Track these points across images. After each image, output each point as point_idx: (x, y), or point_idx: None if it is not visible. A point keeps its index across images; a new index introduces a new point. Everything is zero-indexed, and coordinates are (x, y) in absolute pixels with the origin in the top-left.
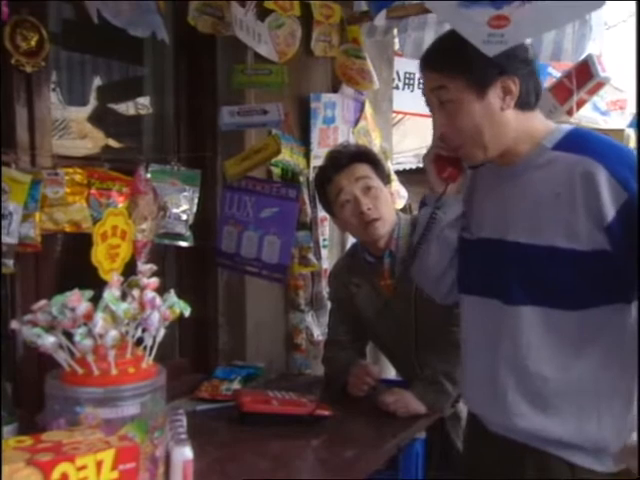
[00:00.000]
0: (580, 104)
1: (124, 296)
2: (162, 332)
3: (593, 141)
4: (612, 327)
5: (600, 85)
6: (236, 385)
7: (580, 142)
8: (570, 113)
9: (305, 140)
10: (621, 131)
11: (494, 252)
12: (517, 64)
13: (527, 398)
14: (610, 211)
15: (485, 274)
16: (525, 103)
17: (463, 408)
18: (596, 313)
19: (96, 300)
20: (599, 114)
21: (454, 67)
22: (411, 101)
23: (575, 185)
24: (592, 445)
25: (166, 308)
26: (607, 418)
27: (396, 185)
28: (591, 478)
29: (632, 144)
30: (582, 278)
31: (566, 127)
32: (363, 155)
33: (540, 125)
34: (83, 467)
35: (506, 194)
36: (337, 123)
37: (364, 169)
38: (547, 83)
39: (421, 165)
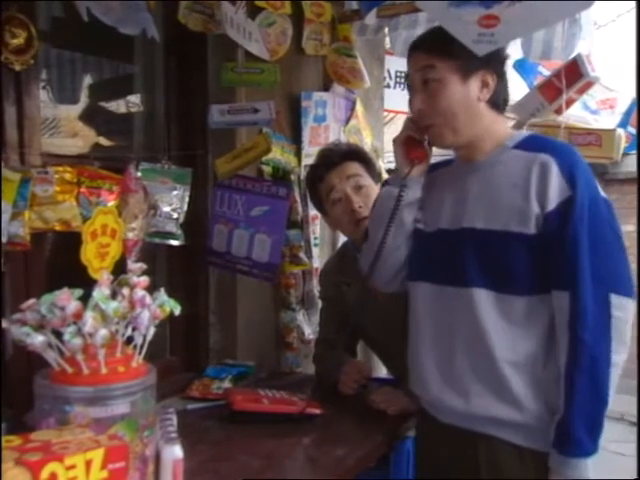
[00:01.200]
0: (569, 103)
1: (114, 295)
2: (152, 331)
3: (550, 143)
4: (552, 313)
5: (589, 84)
6: (227, 384)
7: (539, 143)
8: (559, 112)
9: (296, 138)
10: (612, 131)
11: (451, 241)
12: (497, 64)
13: (481, 379)
14: (553, 201)
15: (441, 262)
16: (495, 102)
17: None
18: (540, 299)
19: (86, 299)
20: (589, 113)
21: (446, 49)
22: (402, 100)
23: (531, 174)
24: (539, 424)
25: (156, 307)
26: (553, 399)
27: None
28: (540, 459)
29: (623, 144)
30: (529, 263)
31: (526, 132)
32: (354, 154)
33: (504, 129)
34: (72, 466)
35: (466, 188)
36: (328, 121)
37: (355, 167)
38: (537, 82)
39: None
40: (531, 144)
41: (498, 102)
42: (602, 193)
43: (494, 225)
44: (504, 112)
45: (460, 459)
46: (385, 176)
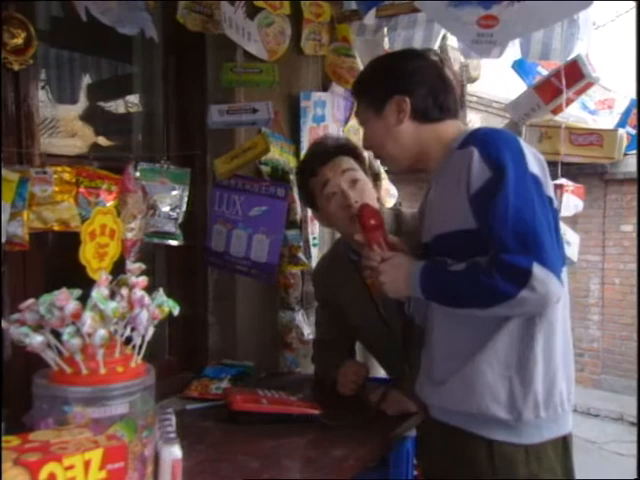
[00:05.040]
0: (567, 103)
1: (113, 295)
2: (151, 331)
3: (480, 133)
4: None
5: (589, 85)
6: (226, 384)
7: (472, 137)
8: (555, 112)
9: (295, 138)
10: (614, 131)
11: (427, 252)
12: (409, 86)
13: (452, 373)
14: (475, 184)
15: None
16: (425, 116)
17: None
18: None
19: (84, 299)
20: (588, 113)
21: (358, 92)
22: None
23: (462, 171)
24: (505, 416)
25: (155, 307)
26: (517, 386)
27: (386, 184)
28: (510, 452)
29: (624, 144)
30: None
31: (471, 128)
32: (346, 148)
33: (451, 132)
34: (71, 467)
35: (430, 199)
36: (327, 122)
37: (349, 162)
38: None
39: None
40: (466, 140)
41: (428, 113)
42: (532, 170)
43: (448, 228)
44: (451, 114)
45: (442, 453)
46: (384, 176)
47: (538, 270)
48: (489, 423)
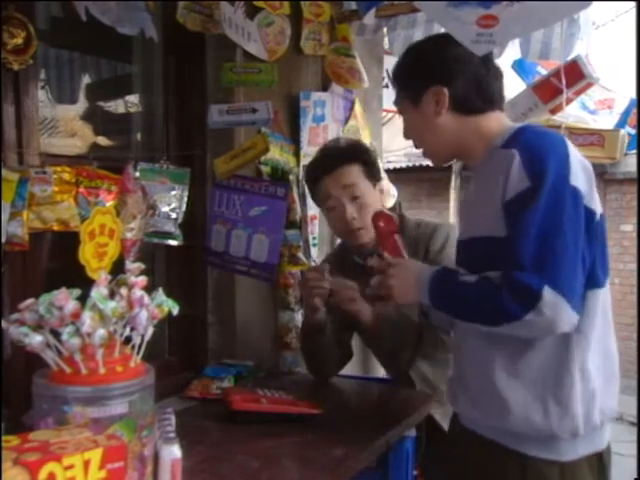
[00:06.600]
0: (566, 103)
1: (112, 295)
2: (150, 331)
3: (526, 135)
4: None
5: (589, 85)
6: (226, 384)
7: (517, 137)
8: (554, 112)
9: (295, 138)
10: (616, 131)
11: (463, 252)
12: (447, 76)
13: (483, 388)
14: (511, 192)
15: None
16: (466, 107)
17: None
18: None
19: (84, 299)
20: (587, 113)
21: (397, 82)
22: None
23: (501, 174)
24: (539, 434)
25: (154, 306)
26: (553, 407)
27: (386, 184)
28: (544, 469)
29: (625, 144)
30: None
31: (517, 125)
32: (353, 155)
33: (495, 126)
34: (70, 466)
35: (467, 195)
36: (327, 121)
37: (353, 173)
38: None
39: (411, 164)
40: (513, 140)
41: (470, 106)
42: (574, 182)
43: (479, 232)
44: (495, 106)
45: (471, 464)
46: (384, 176)
47: (548, 294)
48: (522, 438)
